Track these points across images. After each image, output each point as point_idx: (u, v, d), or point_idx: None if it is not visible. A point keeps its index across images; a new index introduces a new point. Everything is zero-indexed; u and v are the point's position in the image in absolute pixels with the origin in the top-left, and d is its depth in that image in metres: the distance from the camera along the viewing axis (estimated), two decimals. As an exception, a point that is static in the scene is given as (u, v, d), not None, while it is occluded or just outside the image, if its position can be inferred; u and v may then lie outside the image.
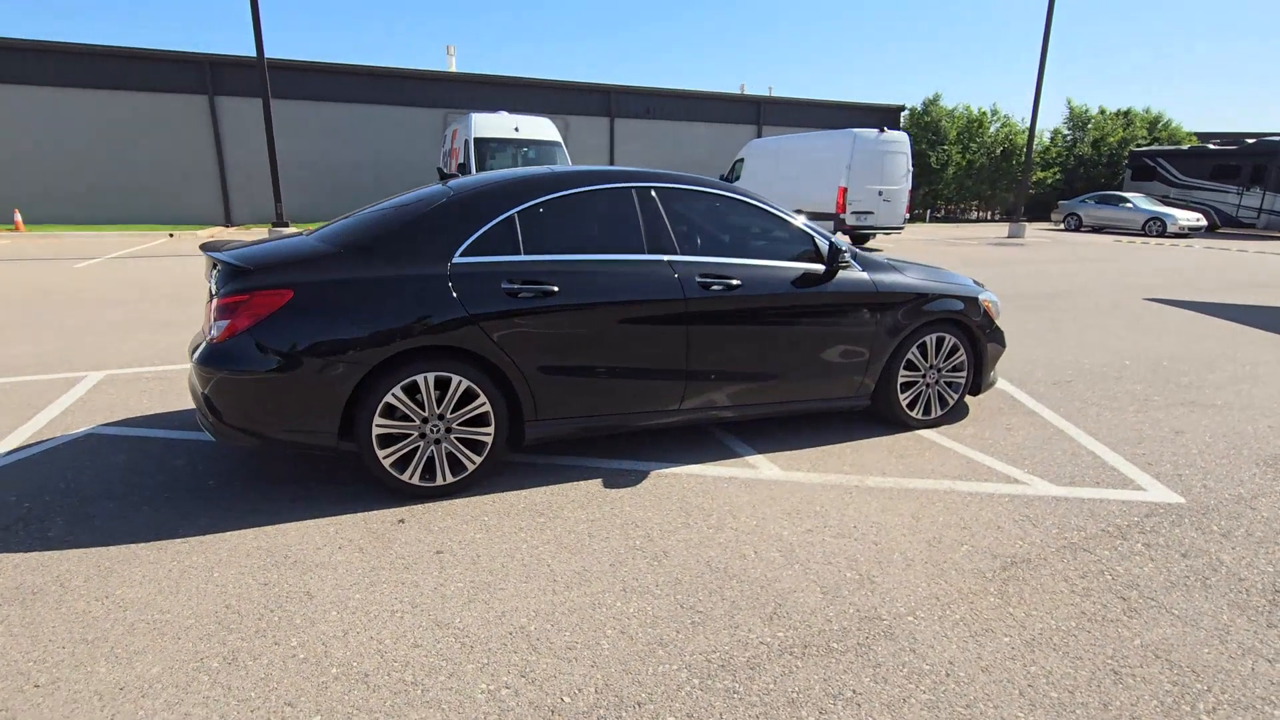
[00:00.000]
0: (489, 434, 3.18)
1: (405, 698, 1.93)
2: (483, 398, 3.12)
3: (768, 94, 28.81)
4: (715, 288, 3.47)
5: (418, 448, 3.08)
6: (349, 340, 2.89)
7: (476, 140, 13.16)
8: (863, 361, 3.90)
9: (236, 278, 2.92)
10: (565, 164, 13.66)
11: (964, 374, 4.20)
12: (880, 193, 16.04)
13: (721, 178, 20.57)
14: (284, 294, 2.87)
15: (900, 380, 4.05)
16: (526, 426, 3.27)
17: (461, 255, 3.11)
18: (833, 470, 3.54)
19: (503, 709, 1.89)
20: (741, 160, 19.74)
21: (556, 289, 3.19)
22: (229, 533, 2.81)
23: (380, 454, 3.01)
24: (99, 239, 15.62)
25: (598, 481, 3.35)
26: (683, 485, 3.33)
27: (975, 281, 4.51)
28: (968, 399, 4.70)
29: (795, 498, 3.23)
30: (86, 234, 16.32)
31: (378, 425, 2.98)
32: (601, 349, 3.32)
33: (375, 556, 2.65)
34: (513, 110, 22.44)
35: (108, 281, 9.65)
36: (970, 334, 4.16)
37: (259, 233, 18.46)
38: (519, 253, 3.21)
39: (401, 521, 2.94)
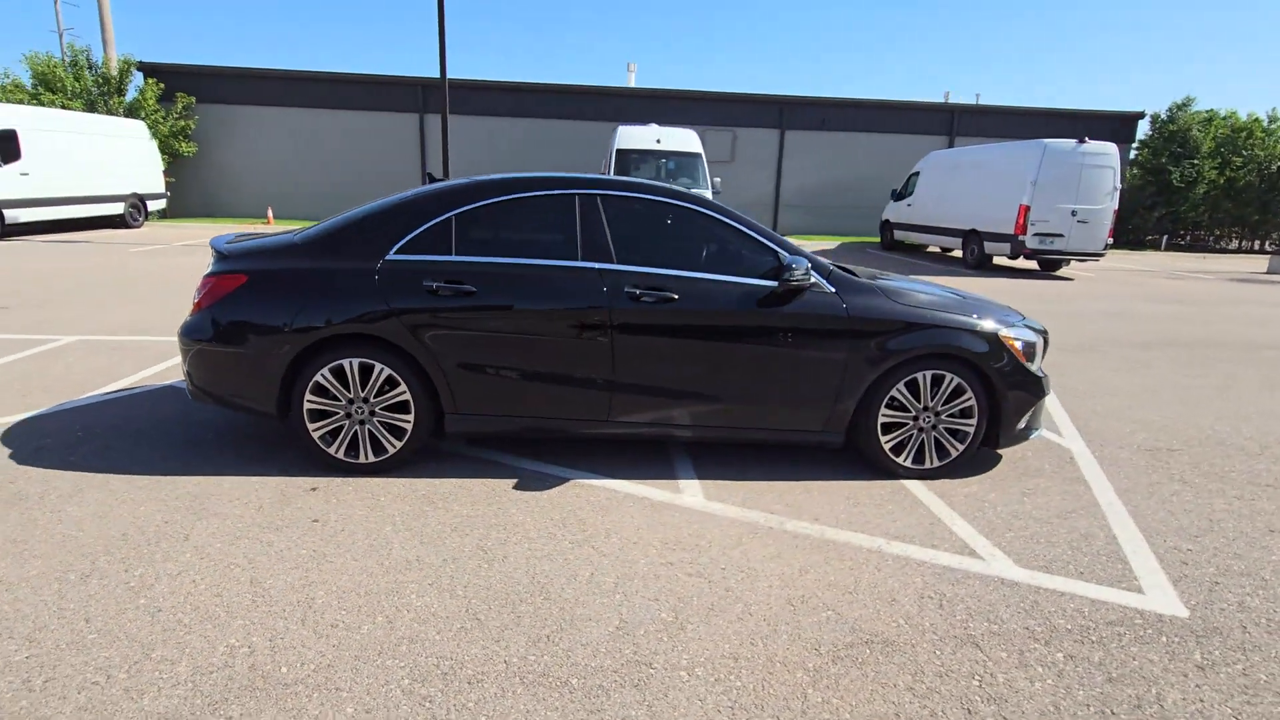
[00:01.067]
0: (409, 421, 3.38)
1: (167, 636, 2.16)
2: (403, 386, 3.33)
3: (974, 102, 26.21)
4: (646, 299, 3.34)
5: (344, 426, 3.37)
6: (284, 321, 3.26)
7: (618, 152, 13.67)
8: (830, 393, 3.49)
9: (214, 263, 3.44)
10: (703, 176, 13.70)
11: (972, 421, 3.57)
12: (1074, 213, 13.86)
13: (893, 193, 19.23)
14: (239, 279, 3.32)
15: (882, 420, 3.55)
16: (447, 418, 3.42)
17: (396, 253, 3.35)
18: (760, 507, 3.22)
19: (230, 665, 2.05)
20: (916, 174, 18.24)
21: (474, 290, 3.30)
22: (183, 477, 3.31)
23: (311, 427, 3.35)
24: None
25: (511, 482, 3.40)
26: (589, 498, 3.25)
27: (1015, 315, 3.81)
28: (1007, 452, 3.98)
29: (690, 528, 3.00)
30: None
31: (309, 401, 3.32)
32: (519, 352, 3.36)
33: (262, 515, 2.97)
34: (680, 123, 23.01)
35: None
36: (982, 375, 3.52)
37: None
38: (450, 254, 3.37)
39: (314, 490, 3.24)
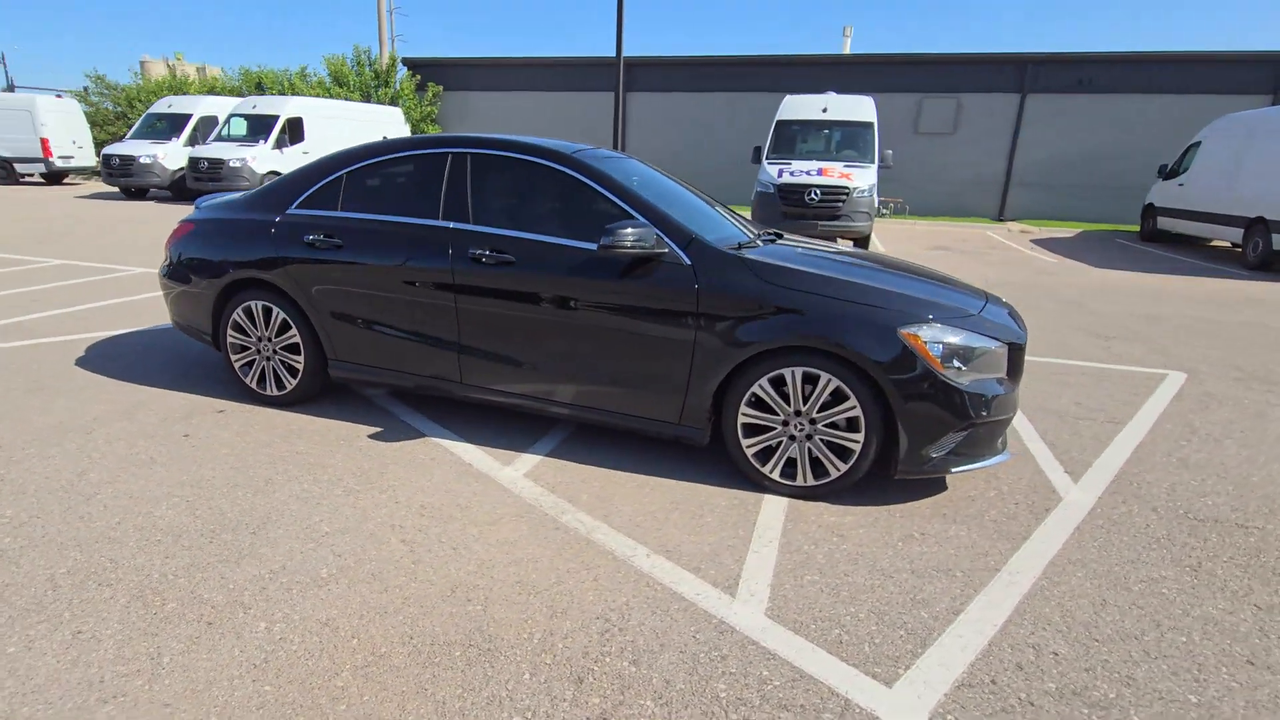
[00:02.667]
0: (300, 362, 3.70)
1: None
2: (294, 330, 3.66)
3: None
4: (485, 261, 3.22)
5: (254, 361, 3.81)
6: (209, 264, 3.77)
7: (777, 123, 12.83)
8: (679, 382, 3.05)
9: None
10: (871, 148, 12.36)
11: (858, 437, 2.85)
12: None
13: (1160, 170, 15.31)
14: (189, 226, 3.90)
15: (742, 420, 3.00)
16: (329, 363, 3.68)
17: (295, 207, 3.65)
18: (565, 495, 2.96)
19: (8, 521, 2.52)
20: (1196, 145, 14.33)
21: (341, 244, 3.47)
22: (141, 387, 4.02)
23: (232, 358, 3.85)
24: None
25: (372, 430, 3.55)
26: (419, 454, 3.28)
27: (967, 308, 2.96)
28: (964, 482, 3.12)
29: (470, 499, 2.87)
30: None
31: (230, 336, 3.81)
32: (382, 307, 3.46)
33: (153, 426, 3.51)
34: (896, 90, 20.74)
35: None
36: (870, 381, 2.79)
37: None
38: (335, 209, 3.58)
39: (221, 411, 3.73)
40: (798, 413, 2.91)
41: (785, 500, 2.98)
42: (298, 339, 3.66)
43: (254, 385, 3.84)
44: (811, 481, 2.97)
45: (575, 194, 3.27)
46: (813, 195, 11.43)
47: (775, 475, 3.01)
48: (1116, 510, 2.99)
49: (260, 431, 3.49)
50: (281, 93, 23.29)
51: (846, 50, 24.47)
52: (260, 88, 23.09)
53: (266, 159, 16.82)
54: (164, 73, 29.29)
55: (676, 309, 2.98)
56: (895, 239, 14.41)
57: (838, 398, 2.85)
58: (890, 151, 12.79)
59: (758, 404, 2.97)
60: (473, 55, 24.76)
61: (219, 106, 18.84)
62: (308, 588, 2.26)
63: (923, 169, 21.17)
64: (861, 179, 11.60)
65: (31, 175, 20.91)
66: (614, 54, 20.66)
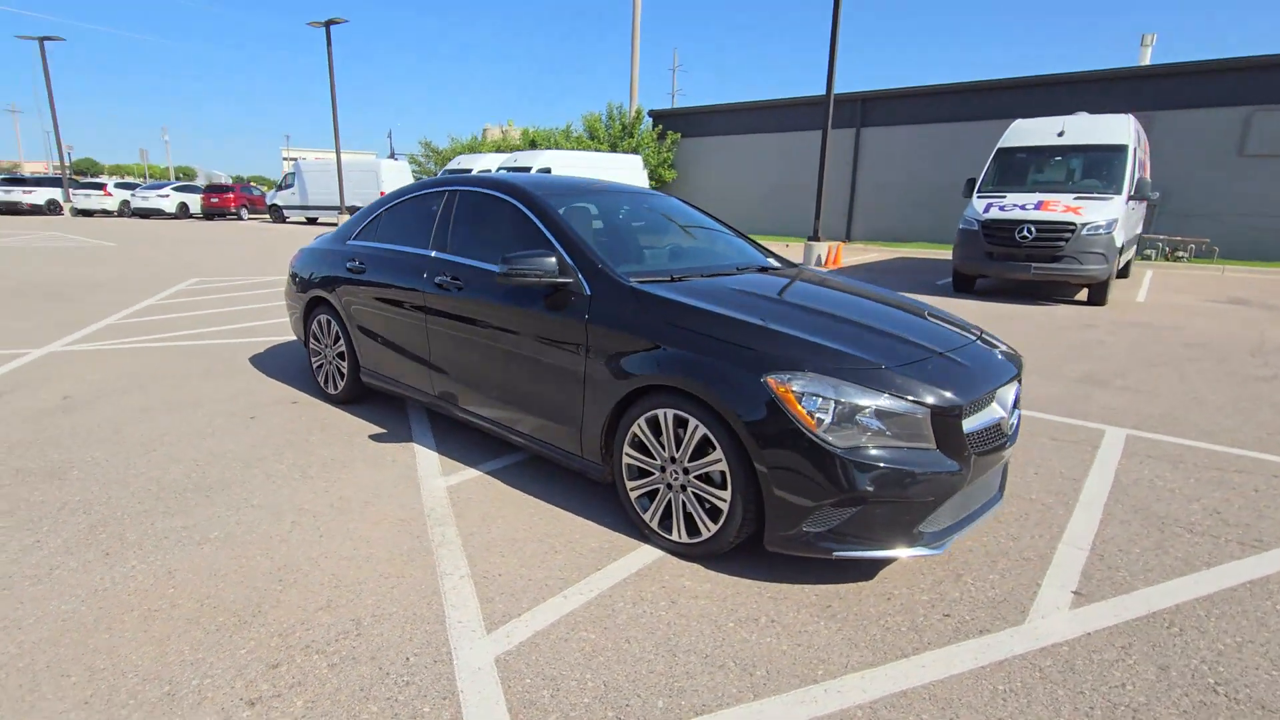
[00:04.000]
0: (346, 367, 4.40)
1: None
2: (342, 340, 4.37)
3: None
4: (444, 285, 3.52)
5: (322, 364, 4.62)
6: (302, 282, 4.69)
7: (997, 151, 11.13)
8: (575, 414, 2.99)
9: (307, 244, 5.10)
10: (1124, 174, 10.16)
11: (725, 495, 2.51)
12: None
13: None
14: (299, 253, 4.88)
15: (626, 461, 2.83)
16: (360, 371, 4.30)
17: (353, 239, 4.38)
18: (454, 505, 3.09)
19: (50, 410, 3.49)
20: None
21: (364, 269, 4.06)
22: (278, 385, 5.09)
23: (311, 361, 4.73)
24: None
25: (377, 430, 4.06)
26: (387, 457, 3.68)
27: (902, 358, 2.49)
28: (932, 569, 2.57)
29: (383, 499, 3.17)
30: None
31: (310, 342, 4.69)
32: (385, 324, 3.98)
33: (240, 408, 4.44)
34: (1199, 104, 16.60)
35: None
36: (732, 432, 2.45)
37: (876, 252, 20.60)
38: (370, 240, 4.22)
39: (294, 403, 4.58)
40: (672, 459, 2.67)
41: (658, 553, 2.73)
42: (343, 347, 4.38)
43: (321, 384, 4.67)
44: (685, 539, 2.68)
45: (521, 225, 3.42)
46: (1025, 233, 9.82)
47: (654, 524, 2.78)
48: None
49: (303, 422, 4.23)
50: (551, 147, 27.03)
51: (1145, 60, 20.34)
52: (534, 144, 27.07)
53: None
54: (498, 136, 36.02)
55: (571, 339, 2.96)
56: (1173, 288, 11.62)
57: (705, 448, 2.55)
58: (1148, 180, 10.37)
59: (639, 445, 2.79)
60: (710, 104, 26.00)
61: (494, 161, 22.58)
62: (190, 544, 2.74)
63: (1246, 201, 16.71)
64: (1097, 213, 9.64)
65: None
66: (858, 90, 19.88)
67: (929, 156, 21.03)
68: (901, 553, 2.40)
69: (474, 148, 29.69)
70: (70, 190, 28.94)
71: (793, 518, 2.38)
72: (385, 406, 4.52)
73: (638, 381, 2.70)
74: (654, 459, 2.74)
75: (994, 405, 2.64)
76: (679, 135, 25.68)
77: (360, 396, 4.52)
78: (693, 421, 2.56)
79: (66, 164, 32.09)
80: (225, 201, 29.79)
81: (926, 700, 1.96)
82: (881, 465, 2.30)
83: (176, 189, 30.03)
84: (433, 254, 3.72)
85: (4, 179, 28.43)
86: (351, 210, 26.49)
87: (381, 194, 26.16)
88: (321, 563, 2.62)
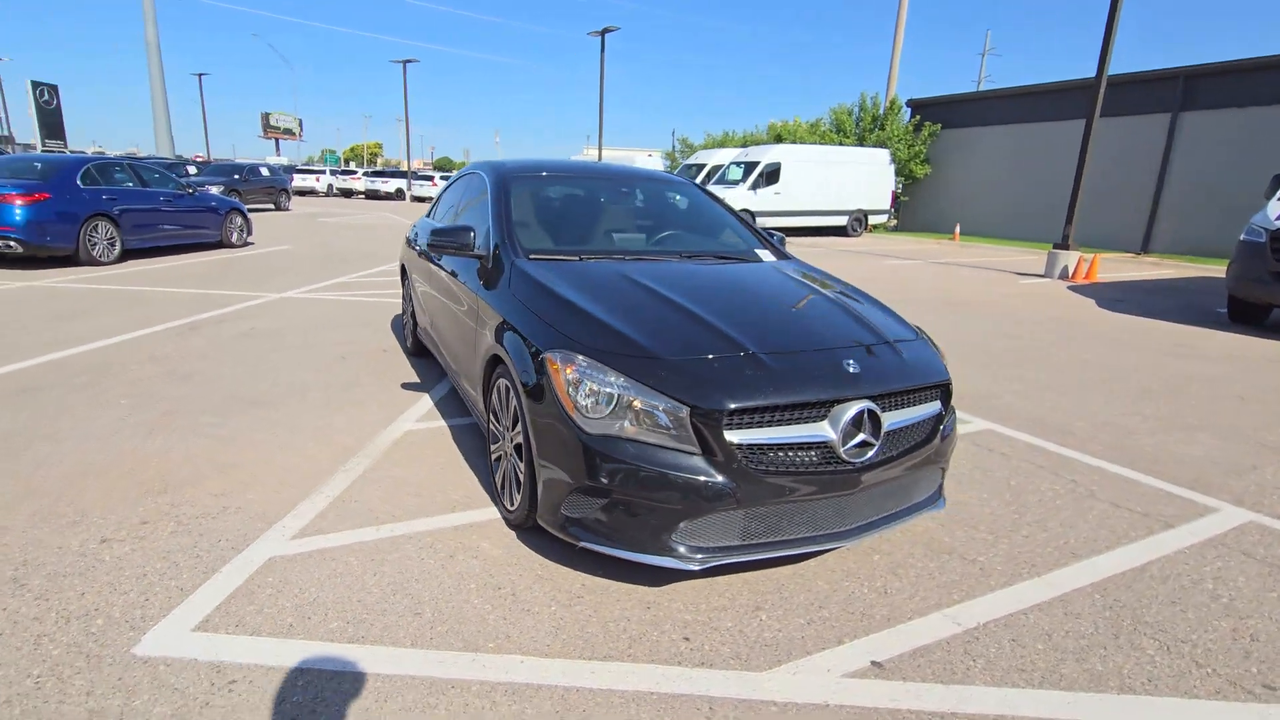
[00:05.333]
0: (412, 324, 5.16)
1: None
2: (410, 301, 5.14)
3: None
4: (432, 253, 4.00)
5: (405, 321, 5.46)
6: (404, 249, 5.57)
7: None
8: (476, 380, 3.21)
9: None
10: None
11: (524, 466, 2.55)
12: None
13: None
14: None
15: (489, 427, 3.00)
16: (417, 329, 5.00)
17: (425, 217, 5.09)
18: (391, 446, 3.54)
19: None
20: None
21: (415, 240, 4.71)
22: (389, 337, 6.14)
23: (405, 316, 5.61)
24: (995, 252, 18.28)
25: (411, 380, 4.72)
26: (396, 399, 4.30)
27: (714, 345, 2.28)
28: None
29: (341, 430, 3.77)
30: (994, 247, 19.21)
31: (403, 299, 5.57)
32: (415, 287, 4.59)
33: (345, 354, 5.47)
34: None
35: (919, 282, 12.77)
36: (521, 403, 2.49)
37: (1170, 267, 16.92)
38: (427, 217, 4.87)
39: (384, 351, 5.50)
40: (508, 428, 2.78)
41: (495, 516, 2.87)
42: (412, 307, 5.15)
43: (403, 337, 5.53)
44: (507, 506, 2.78)
45: (483, 201, 3.70)
46: (1341, 250, 7.16)
47: (498, 489, 2.91)
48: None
49: (372, 367, 5.09)
50: (795, 142, 26.48)
51: None
52: (779, 138, 26.77)
53: (741, 198, 19.74)
54: (778, 128, 36.42)
55: (470, 306, 3.20)
56: None
57: (516, 419, 2.62)
58: None
59: (494, 413, 2.94)
60: (976, 90, 22.96)
61: (728, 156, 22.92)
62: (202, 437, 3.60)
63: None
64: None
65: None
66: (1177, 65, 16.26)
67: (1269, 148, 15.99)
68: (647, 559, 2.22)
69: (723, 143, 30.38)
70: (411, 181, 36.61)
71: (553, 497, 2.36)
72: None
73: (491, 350, 2.85)
74: (500, 424, 2.87)
75: (823, 423, 2.25)
76: (938, 126, 23.20)
77: (425, 350, 5.27)
78: (511, 392, 2.65)
79: (428, 160, 40.44)
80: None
81: (589, 703, 1.86)
82: (628, 460, 2.16)
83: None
84: (435, 225, 4.23)
85: (372, 172, 37.05)
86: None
87: (633, 187, 28.45)
88: (255, 465, 3.28)
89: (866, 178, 21.76)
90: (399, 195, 36.59)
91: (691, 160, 24.23)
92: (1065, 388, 5.21)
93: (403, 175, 37.47)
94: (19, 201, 8.31)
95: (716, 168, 22.58)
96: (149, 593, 2.24)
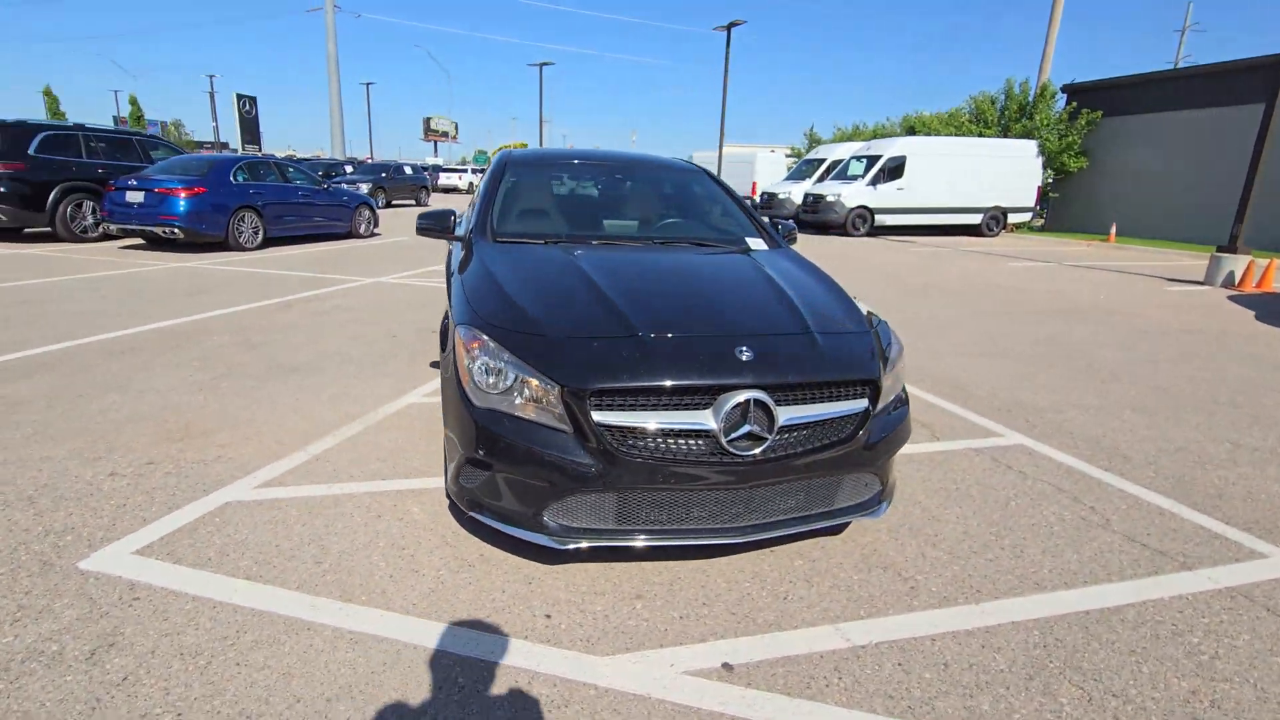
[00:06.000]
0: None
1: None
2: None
3: None
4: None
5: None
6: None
7: None
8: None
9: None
10: None
11: (447, 438, 2.67)
12: None
13: None
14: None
15: (450, 398, 3.15)
16: None
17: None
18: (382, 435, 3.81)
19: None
20: None
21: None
22: (451, 317, 6.55)
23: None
24: (1152, 256, 16.01)
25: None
26: (403, 370, 4.60)
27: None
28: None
29: (335, 401, 4.09)
30: (1153, 250, 16.79)
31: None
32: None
33: (397, 330, 5.91)
34: None
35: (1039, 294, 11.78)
36: None
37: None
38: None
39: (433, 331, 5.87)
40: (450, 401, 2.91)
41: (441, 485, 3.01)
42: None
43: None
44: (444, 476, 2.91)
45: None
46: None
47: (445, 460, 3.05)
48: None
49: (414, 345, 5.46)
50: (929, 133, 24.72)
51: None
52: (912, 130, 25.11)
53: (858, 194, 18.81)
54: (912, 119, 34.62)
55: (449, 288, 3.37)
56: None
57: (450, 391, 2.74)
58: None
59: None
60: (1145, 71, 20.19)
61: (848, 150, 21.87)
62: (234, 395, 4.08)
63: None
64: None
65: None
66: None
67: None
68: (522, 534, 2.25)
69: (852, 137, 28.95)
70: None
71: (453, 466, 2.45)
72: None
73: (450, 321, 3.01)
74: (452, 399, 3.01)
75: (705, 412, 2.15)
76: (1098, 114, 20.59)
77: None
78: (450, 365, 2.78)
79: None
80: (637, 189, 35.64)
81: (416, 659, 1.95)
82: (507, 436, 2.20)
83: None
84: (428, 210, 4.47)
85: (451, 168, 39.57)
86: (725, 198, 28.79)
87: (754, 185, 27.87)
88: (266, 423, 3.67)
89: (1008, 171, 19.86)
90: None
91: (811, 155, 23.39)
92: (1154, 408, 4.52)
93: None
94: (181, 194, 9.76)
95: (836, 163, 21.63)
96: (118, 519, 2.61)
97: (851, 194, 18.80)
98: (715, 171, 28.13)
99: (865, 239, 18.28)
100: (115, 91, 76.65)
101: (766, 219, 4.03)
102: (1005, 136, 21.77)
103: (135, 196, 9.82)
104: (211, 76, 52.60)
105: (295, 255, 10.58)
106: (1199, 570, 2.58)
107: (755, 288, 2.83)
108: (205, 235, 10.14)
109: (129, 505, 2.72)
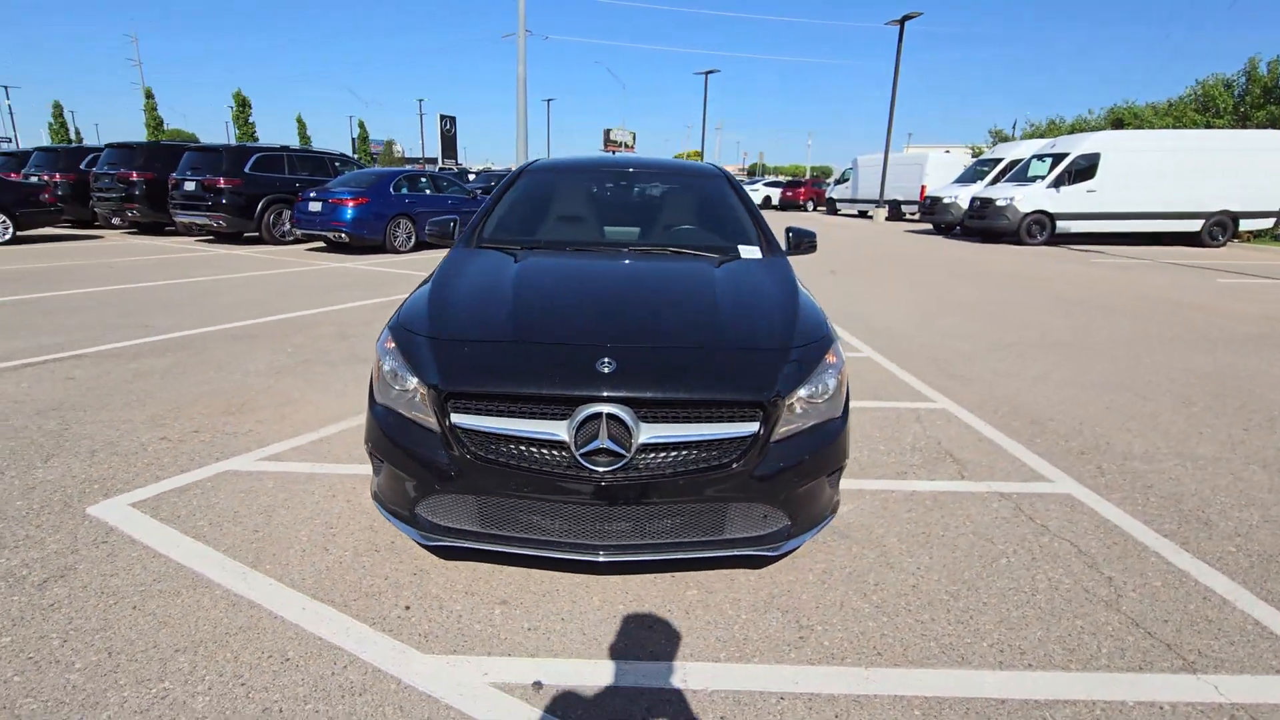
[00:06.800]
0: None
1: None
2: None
3: None
4: None
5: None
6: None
7: None
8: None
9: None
10: None
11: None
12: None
13: None
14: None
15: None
16: None
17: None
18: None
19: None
20: None
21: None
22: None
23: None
24: None
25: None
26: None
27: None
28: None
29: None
30: None
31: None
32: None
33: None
34: None
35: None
36: None
37: None
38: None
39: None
40: (411, 396, 3.10)
41: (404, 473, 3.22)
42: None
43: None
44: (404, 465, 3.10)
45: None
46: None
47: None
48: (391, 704, 1.80)
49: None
50: (1140, 127, 21.27)
51: None
52: (1119, 124, 21.74)
53: (1035, 197, 16.70)
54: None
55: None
56: None
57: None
58: None
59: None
60: None
61: (1030, 149, 19.45)
62: (300, 378, 4.66)
63: None
64: None
65: (913, 214, 26.83)
66: None
67: None
68: (401, 527, 2.33)
69: (1046, 132, 25.63)
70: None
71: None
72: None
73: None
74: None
75: (562, 422, 2.09)
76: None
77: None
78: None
79: (742, 165, 42.75)
80: (797, 195, 34.54)
81: (270, 627, 2.14)
82: (389, 433, 2.31)
83: (767, 184, 36.46)
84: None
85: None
86: (890, 203, 27.00)
87: (923, 188, 25.76)
88: (305, 405, 4.14)
89: (1245, 169, 16.47)
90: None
91: (986, 155, 21.17)
92: (1288, 463, 3.56)
93: (697, 180, 39.78)
94: (349, 204, 11.26)
95: (1015, 163, 19.40)
96: (138, 475, 3.12)
97: (1027, 197, 16.71)
98: (880, 175, 26.44)
99: (1041, 248, 16.17)
100: (350, 117, 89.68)
101: (789, 229, 3.76)
102: (1243, 127, 18.06)
103: (315, 206, 11.51)
104: (420, 100, 59.69)
105: (435, 257, 11.71)
106: (1203, 675, 2.00)
107: (688, 299, 2.68)
108: (366, 239, 11.59)
109: (155, 465, 3.24)
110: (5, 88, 58.98)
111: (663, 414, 2.12)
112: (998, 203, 17.08)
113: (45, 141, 51.23)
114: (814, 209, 34.76)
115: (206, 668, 1.94)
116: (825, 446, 2.31)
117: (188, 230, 13.25)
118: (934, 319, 7.33)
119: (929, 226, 22.35)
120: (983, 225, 17.55)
